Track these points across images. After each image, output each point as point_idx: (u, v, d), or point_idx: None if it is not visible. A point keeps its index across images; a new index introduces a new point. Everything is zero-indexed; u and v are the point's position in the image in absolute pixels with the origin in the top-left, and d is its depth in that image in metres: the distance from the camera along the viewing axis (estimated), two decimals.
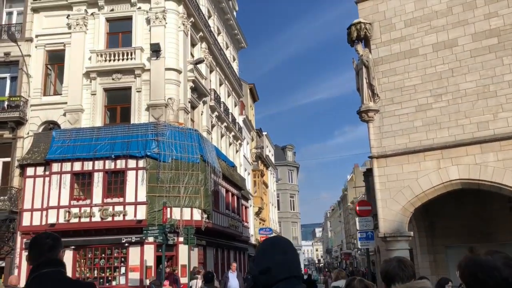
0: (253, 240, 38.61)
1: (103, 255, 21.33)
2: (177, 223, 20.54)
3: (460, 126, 10.89)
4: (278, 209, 62.74)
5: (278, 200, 63.34)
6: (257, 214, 42.40)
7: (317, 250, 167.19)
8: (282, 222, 63.92)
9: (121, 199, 21.43)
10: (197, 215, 22.21)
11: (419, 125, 11.41)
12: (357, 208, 12.36)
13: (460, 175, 10.71)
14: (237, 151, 35.98)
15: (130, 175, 21.63)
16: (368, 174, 25.28)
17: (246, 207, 36.07)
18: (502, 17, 10.80)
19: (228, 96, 35.19)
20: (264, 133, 53.76)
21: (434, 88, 11.41)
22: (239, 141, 36.70)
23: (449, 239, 13.85)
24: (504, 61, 10.65)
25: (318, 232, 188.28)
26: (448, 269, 13.92)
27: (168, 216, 20.39)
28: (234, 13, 37.41)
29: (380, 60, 12.17)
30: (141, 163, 21.70)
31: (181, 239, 21.23)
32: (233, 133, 34.47)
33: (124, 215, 21.13)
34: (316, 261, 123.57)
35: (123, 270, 21.16)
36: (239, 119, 38.12)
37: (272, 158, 58.86)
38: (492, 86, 10.67)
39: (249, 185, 39.07)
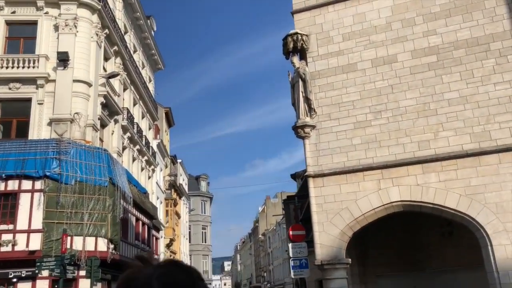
0: None
1: None
2: (78, 254, 17.87)
3: (401, 144, 10.31)
4: (190, 241, 60.10)
5: (189, 232, 60.75)
6: (168, 246, 39.75)
7: (225, 284, 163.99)
8: (193, 255, 61.19)
9: (10, 226, 18.31)
10: (102, 245, 19.66)
11: (358, 142, 10.68)
12: (290, 232, 11.20)
13: (402, 197, 10.04)
14: (149, 177, 33.60)
15: (24, 198, 18.66)
16: (288, 202, 24.51)
17: (157, 238, 33.51)
18: (440, 35, 10.59)
19: (143, 117, 33.02)
20: (179, 160, 51.62)
21: (373, 105, 10.82)
22: (152, 167, 34.38)
23: (381, 268, 13.16)
24: (443, 79, 10.36)
25: (227, 265, 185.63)
26: None
27: (68, 246, 17.69)
28: (152, 33, 35.76)
29: (317, 74, 11.41)
30: (38, 184, 18.86)
31: (82, 272, 18.53)
32: (146, 158, 32.17)
33: (13, 245, 18.01)
34: None
35: None
36: (153, 143, 35.90)
37: (186, 188, 56.60)
38: (433, 104, 10.29)
39: (160, 215, 36.57)
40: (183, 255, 49.65)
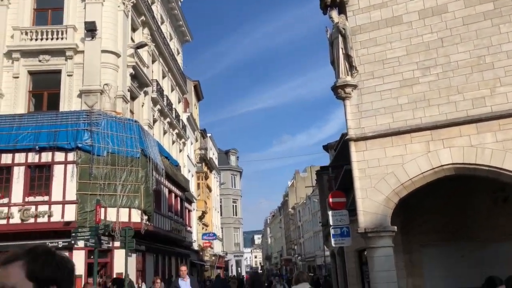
0: (195, 246, 36.07)
1: None
2: (112, 226, 17.83)
3: (452, 103, 9.45)
4: (221, 214, 60.47)
5: (220, 205, 61.07)
6: (200, 218, 39.92)
7: (256, 257, 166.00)
8: (224, 228, 61.65)
9: (46, 198, 18.38)
10: (136, 216, 19.60)
11: (405, 102, 9.87)
12: (330, 200, 10.57)
13: (454, 159, 9.25)
14: (180, 151, 33.45)
15: (58, 170, 18.65)
16: (322, 173, 23.83)
17: (189, 211, 33.57)
18: None
19: (172, 90, 32.67)
20: (209, 134, 51.44)
21: (421, 60, 9.94)
22: (183, 140, 34.19)
23: (426, 236, 12.44)
24: (501, 29, 9.36)
25: (257, 239, 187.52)
26: (423, 271, 12.49)
27: (102, 217, 17.63)
28: (179, 3, 35.01)
29: (358, 28, 10.55)
30: (71, 156, 18.80)
31: (116, 243, 18.53)
32: (176, 131, 31.94)
33: (49, 216, 18.12)
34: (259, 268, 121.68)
35: None
36: (183, 117, 35.63)
37: (216, 162, 56.57)
38: (489, 58, 9.33)
39: (192, 188, 36.58)
40: (215, 227, 49.97)
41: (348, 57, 10.39)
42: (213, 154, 55.99)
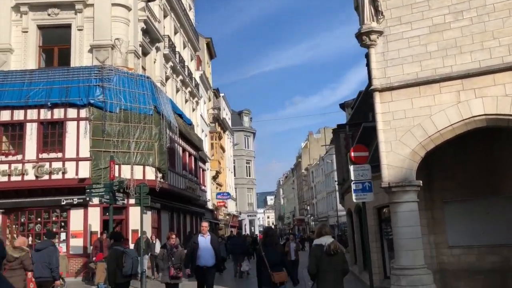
0: (210, 205, 36.25)
1: (38, 219, 18.23)
2: (127, 183, 17.67)
3: (487, 49, 8.76)
4: (234, 175, 60.62)
5: (234, 166, 61.13)
6: (214, 178, 39.97)
7: (268, 217, 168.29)
8: (238, 188, 61.92)
9: (59, 155, 18.25)
10: (150, 174, 19.45)
11: (434, 49, 9.19)
12: (352, 154, 10.12)
13: (486, 110, 8.66)
14: (193, 110, 33.03)
15: (70, 127, 18.42)
16: (339, 131, 23.28)
17: (203, 170, 33.50)
18: None
19: (184, 47, 31.92)
20: (222, 94, 50.80)
21: (453, 4, 9.18)
22: (196, 99, 33.71)
23: (449, 192, 11.99)
24: None
25: (270, 200, 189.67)
26: (446, 228, 12.12)
27: (117, 174, 17.42)
28: None
29: None
30: (83, 112, 18.51)
31: (131, 201, 18.50)
32: (189, 89, 31.43)
33: (63, 173, 18.04)
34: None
35: (63, 236, 18.22)
36: (196, 75, 35.00)
37: (229, 122, 56.19)
38: None
39: (206, 148, 36.37)
40: (229, 187, 50.16)
41: (373, 2, 9.66)
42: (226, 114, 55.53)
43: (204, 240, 9.66)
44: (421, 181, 9.42)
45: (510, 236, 11.47)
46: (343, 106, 29.33)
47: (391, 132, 9.41)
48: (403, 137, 9.29)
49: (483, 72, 8.77)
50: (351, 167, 10.00)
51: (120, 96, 19.04)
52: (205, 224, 10.13)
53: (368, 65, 22.86)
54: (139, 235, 16.68)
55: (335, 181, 28.31)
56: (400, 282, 8.80)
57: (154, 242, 17.70)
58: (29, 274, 8.50)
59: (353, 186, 9.96)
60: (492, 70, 8.70)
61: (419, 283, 8.68)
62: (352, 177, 9.98)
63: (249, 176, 67.08)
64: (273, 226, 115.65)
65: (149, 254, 17.27)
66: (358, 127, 22.36)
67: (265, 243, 7.84)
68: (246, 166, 66.88)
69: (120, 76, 19.35)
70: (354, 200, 10.04)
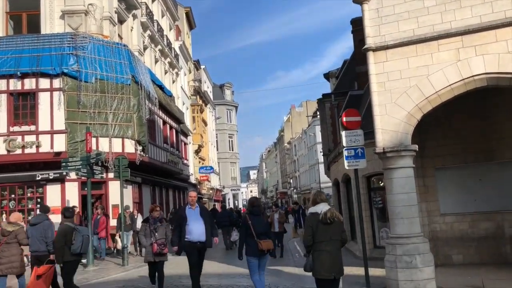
0: (193, 179, 35.63)
1: (12, 195, 17.36)
2: (105, 156, 16.88)
3: (488, 3, 8.15)
4: (217, 149, 59.94)
5: (216, 140, 60.37)
6: (197, 152, 39.24)
7: (251, 191, 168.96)
8: (221, 163, 61.35)
9: (32, 127, 17.30)
10: (130, 147, 18.66)
11: (432, 4, 8.56)
12: (344, 119, 9.48)
13: (487, 68, 8.12)
14: (173, 81, 31.98)
15: (43, 98, 17.42)
16: (324, 100, 22.68)
17: (185, 144, 32.72)
18: None
19: (162, 16, 30.62)
20: (202, 66, 49.56)
21: None
22: (176, 70, 32.61)
23: (441, 160, 11.59)
24: None
25: (252, 174, 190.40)
26: (438, 196, 11.76)
27: (94, 147, 16.61)
28: None
29: None
30: (57, 82, 17.49)
31: (111, 175, 17.74)
32: (168, 60, 30.31)
33: (37, 147, 17.14)
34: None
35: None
36: (175, 45, 33.79)
37: (211, 96, 55.11)
38: None
39: (187, 121, 35.46)
40: (212, 161, 49.54)
41: None
42: (208, 87, 54.39)
43: (193, 212, 8.36)
44: (417, 146, 8.91)
45: (503, 203, 11.18)
46: (327, 76, 28.68)
47: (385, 94, 8.83)
48: (399, 99, 8.72)
49: (484, 28, 8.19)
50: (343, 133, 9.42)
51: (95, 65, 18.03)
52: (193, 194, 8.67)
53: (353, 32, 22.19)
54: (120, 210, 16.04)
55: (321, 152, 27.88)
56: (396, 251, 8.37)
57: (136, 217, 17.05)
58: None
59: (345, 153, 9.39)
60: (494, 25, 8.12)
61: (416, 252, 8.26)
62: (344, 143, 9.41)
63: (232, 150, 66.49)
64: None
65: (133, 230, 16.64)
66: (344, 96, 21.80)
67: (252, 212, 7.59)
68: (229, 140, 66.18)
69: (95, 44, 18.28)
70: (346, 167, 9.49)
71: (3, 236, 8.35)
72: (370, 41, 8.99)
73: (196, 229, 8.22)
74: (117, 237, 16.59)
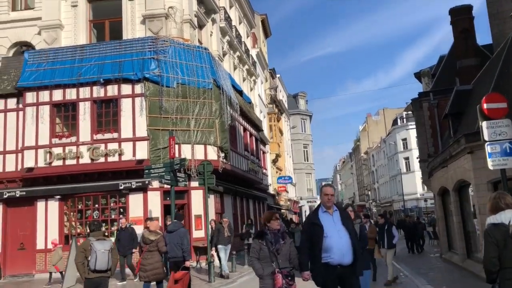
0: (271, 190, 34.32)
1: (96, 205, 16.94)
2: (188, 163, 15.96)
3: None
4: (292, 160, 58.43)
5: (291, 151, 58.90)
6: (274, 162, 37.96)
7: None
8: (296, 174, 59.69)
9: (115, 135, 16.84)
10: (212, 154, 17.67)
11: None
12: (484, 106, 7.55)
13: None
14: (251, 89, 31.05)
15: (125, 104, 16.94)
16: (421, 100, 20.40)
17: (264, 152, 31.56)
18: None
19: (240, 23, 29.91)
20: (278, 75, 48.51)
21: None
22: (254, 78, 31.69)
23: None
24: None
25: None
26: None
27: (177, 154, 15.77)
28: None
29: None
30: (138, 88, 16.95)
31: (193, 183, 16.84)
32: (246, 67, 29.44)
33: (120, 155, 16.61)
34: None
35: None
36: (252, 53, 32.94)
37: (286, 105, 53.89)
38: None
39: (264, 130, 34.36)
40: (288, 172, 48.06)
41: None
42: (283, 96, 53.28)
43: (331, 220, 5.41)
44: None
45: None
46: (418, 75, 26.23)
47: None
48: None
49: None
50: (484, 123, 7.49)
51: (176, 69, 17.33)
52: (329, 191, 5.48)
53: (453, 23, 19.81)
54: (206, 220, 14.93)
55: (417, 157, 25.36)
56: None
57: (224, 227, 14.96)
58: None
59: (487, 149, 7.45)
60: None
61: None
62: (486, 137, 7.48)
63: (307, 160, 64.61)
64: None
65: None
66: (444, 94, 19.50)
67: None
68: (304, 151, 64.44)
69: (176, 47, 17.61)
70: (490, 167, 7.52)
71: (145, 244, 8.69)
72: None
73: (337, 245, 5.26)
74: (213, 252, 14.05)
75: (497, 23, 15.22)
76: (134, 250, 13.50)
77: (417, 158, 25.69)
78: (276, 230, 5.65)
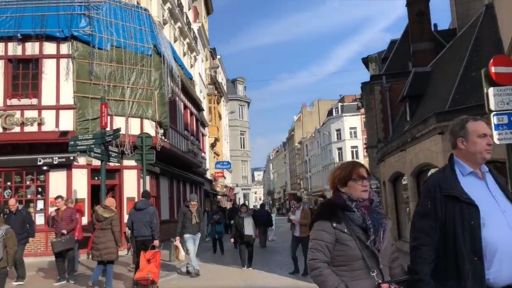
0: (208, 175, 32.58)
1: (8, 183, 14.33)
2: (121, 139, 13.85)
3: None
4: (229, 145, 56.94)
5: (228, 136, 57.37)
6: (212, 146, 36.20)
7: (255, 192, 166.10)
8: (232, 160, 58.29)
9: (34, 101, 14.31)
10: (149, 128, 15.67)
11: None
12: (492, 69, 6.37)
13: None
14: (191, 66, 28.93)
15: (48, 66, 14.45)
16: (373, 83, 19.60)
17: (203, 135, 29.70)
18: None
19: None
20: (218, 56, 46.54)
21: None
22: (194, 54, 29.59)
23: None
24: None
25: (257, 175, 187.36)
26: None
27: (109, 128, 13.59)
28: None
29: None
30: (65, 48, 14.52)
31: (126, 162, 14.80)
32: (188, 41, 27.29)
33: (39, 124, 14.15)
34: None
35: (40, 205, 14.38)
36: (194, 27, 30.77)
37: (225, 88, 52.12)
38: None
39: (204, 111, 32.42)
40: (225, 157, 46.51)
41: None
42: (222, 79, 51.39)
43: (486, 190, 2.53)
44: None
45: None
46: (366, 61, 25.62)
47: None
48: None
49: None
50: (490, 90, 6.33)
51: (111, 30, 15.08)
52: (485, 128, 2.60)
53: (408, 4, 19.08)
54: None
55: (364, 144, 24.68)
56: None
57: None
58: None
59: (494, 120, 6.31)
60: None
61: None
62: (492, 106, 6.34)
63: (244, 148, 63.44)
64: (261, 201, 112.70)
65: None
66: (397, 78, 18.84)
67: None
68: (241, 137, 63.15)
69: (112, 5, 15.34)
70: (496, 142, 6.39)
71: (98, 221, 8.22)
72: None
73: (508, 243, 2.28)
74: (177, 243, 10.54)
75: (461, 3, 14.57)
76: (30, 239, 10.08)
77: (364, 144, 25.13)
78: (365, 201, 2.61)
